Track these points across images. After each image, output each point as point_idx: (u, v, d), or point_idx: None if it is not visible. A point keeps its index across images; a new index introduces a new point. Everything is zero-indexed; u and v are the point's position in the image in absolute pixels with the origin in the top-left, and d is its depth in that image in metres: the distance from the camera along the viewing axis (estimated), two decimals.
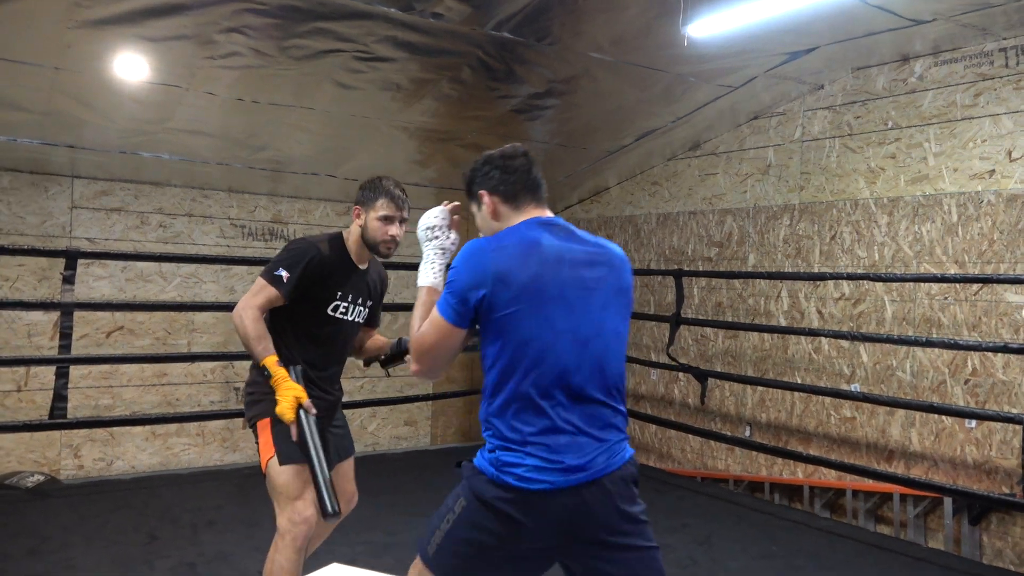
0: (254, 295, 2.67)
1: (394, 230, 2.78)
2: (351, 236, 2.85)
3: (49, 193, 5.05)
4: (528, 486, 1.80)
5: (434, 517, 1.97)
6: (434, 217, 2.20)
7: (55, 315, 4.95)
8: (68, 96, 4.23)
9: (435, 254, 2.15)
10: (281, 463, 2.63)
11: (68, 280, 4.64)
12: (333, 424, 2.93)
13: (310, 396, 2.70)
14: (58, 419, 4.61)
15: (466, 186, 2.09)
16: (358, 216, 2.82)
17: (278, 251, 2.79)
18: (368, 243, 2.81)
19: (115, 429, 5.23)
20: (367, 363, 3.09)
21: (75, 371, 4.95)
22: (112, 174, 5.19)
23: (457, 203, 2.24)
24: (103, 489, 4.91)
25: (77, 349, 4.96)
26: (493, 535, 1.84)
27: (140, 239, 5.33)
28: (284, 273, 2.68)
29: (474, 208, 2.08)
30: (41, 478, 4.93)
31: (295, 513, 2.59)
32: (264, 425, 2.70)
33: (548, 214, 2.02)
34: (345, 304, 2.83)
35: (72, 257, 4.64)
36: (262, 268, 2.75)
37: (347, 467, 3.02)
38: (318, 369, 2.81)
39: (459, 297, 1.86)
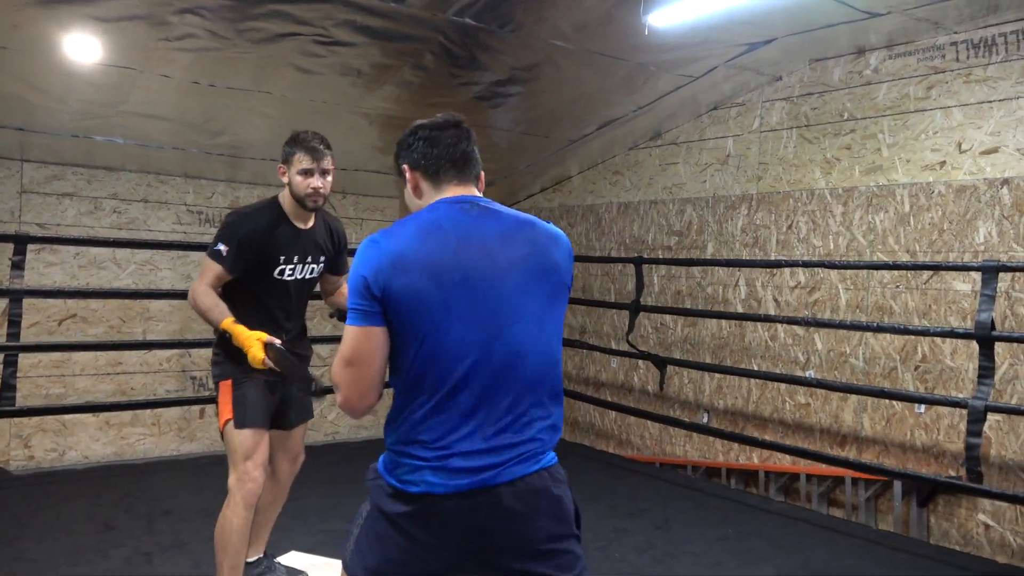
0: (201, 275, 2.77)
1: (316, 182, 2.79)
2: (285, 197, 2.87)
3: None
4: (410, 489, 1.65)
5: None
6: None
7: (3, 302, 4.82)
8: (16, 78, 4.11)
9: None
10: (237, 427, 2.76)
11: (17, 266, 4.51)
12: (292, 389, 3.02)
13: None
14: (5, 408, 4.49)
15: (394, 160, 1.87)
16: (283, 174, 2.85)
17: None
18: (295, 198, 2.83)
19: (67, 419, 5.12)
20: (331, 315, 3.18)
21: (25, 360, 4.83)
22: (64, 158, 5.07)
23: None
24: (55, 480, 4.81)
25: (27, 337, 4.84)
26: (394, 546, 1.69)
27: (93, 225, 5.21)
28: (223, 247, 2.74)
29: (401, 184, 1.87)
30: None
31: (244, 473, 2.73)
32: (226, 387, 2.83)
33: (473, 193, 1.79)
34: (291, 266, 2.87)
35: (21, 242, 4.51)
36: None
37: (300, 430, 3.13)
38: (278, 328, 2.86)
39: (360, 293, 1.64)
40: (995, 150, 4.11)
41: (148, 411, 5.34)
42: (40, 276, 5.04)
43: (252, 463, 2.74)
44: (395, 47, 4.30)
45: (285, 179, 2.85)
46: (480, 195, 1.80)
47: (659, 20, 4.05)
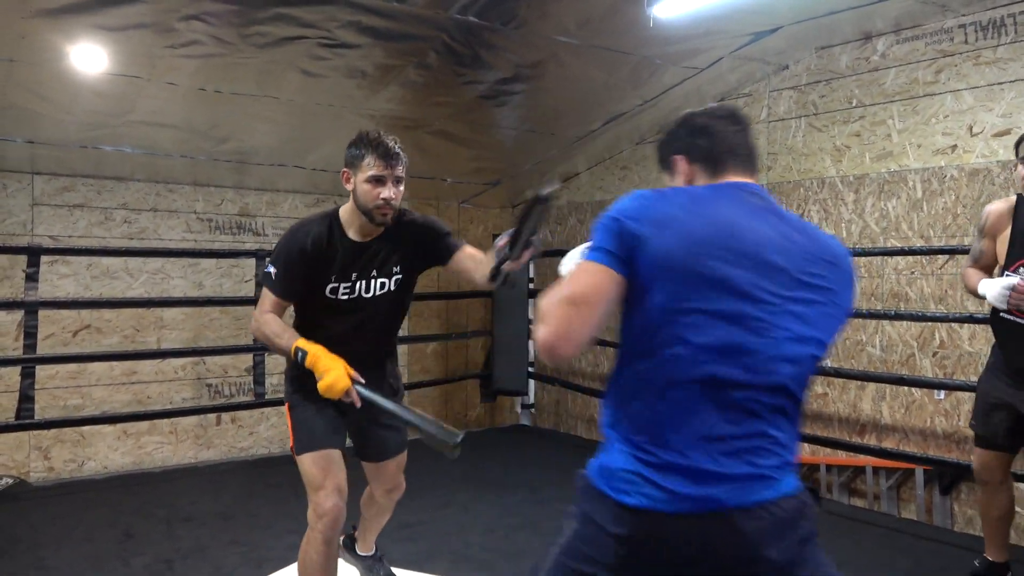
0: (260, 304, 2.53)
1: (387, 192, 2.44)
2: (347, 207, 2.56)
3: (8, 190, 4.94)
4: (624, 499, 1.42)
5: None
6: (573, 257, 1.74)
7: (19, 315, 4.84)
8: (24, 89, 4.13)
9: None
10: (297, 452, 2.55)
11: (31, 278, 4.54)
12: (375, 419, 2.72)
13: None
14: (25, 420, 4.52)
15: (659, 149, 1.69)
16: (347, 180, 2.52)
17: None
18: (361, 210, 2.49)
19: (85, 429, 5.14)
20: (491, 278, 2.36)
21: (42, 372, 4.86)
22: (73, 169, 5.09)
23: None
24: (74, 490, 4.83)
25: (43, 349, 4.86)
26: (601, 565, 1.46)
27: (104, 235, 5.23)
28: (272, 270, 2.50)
29: (667, 178, 1.68)
30: (10, 481, 4.83)
31: (317, 505, 2.50)
32: (287, 410, 2.63)
33: (749, 181, 1.59)
34: (347, 284, 2.55)
35: (35, 253, 4.54)
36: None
37: (392, 465, 2.87)
38: (351, 356, 2.51)
39: (609, 233, 1.46)
40: (1007, 132, 4.07)
41: (165, 420, 5.35)
42: (54, 288, 5.06)
43: (324, 493, 2.48)
44: (399, 47, 4.29)
45: (349, 186, 2.50)
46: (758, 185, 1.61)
47: (664, 12, 4.04)
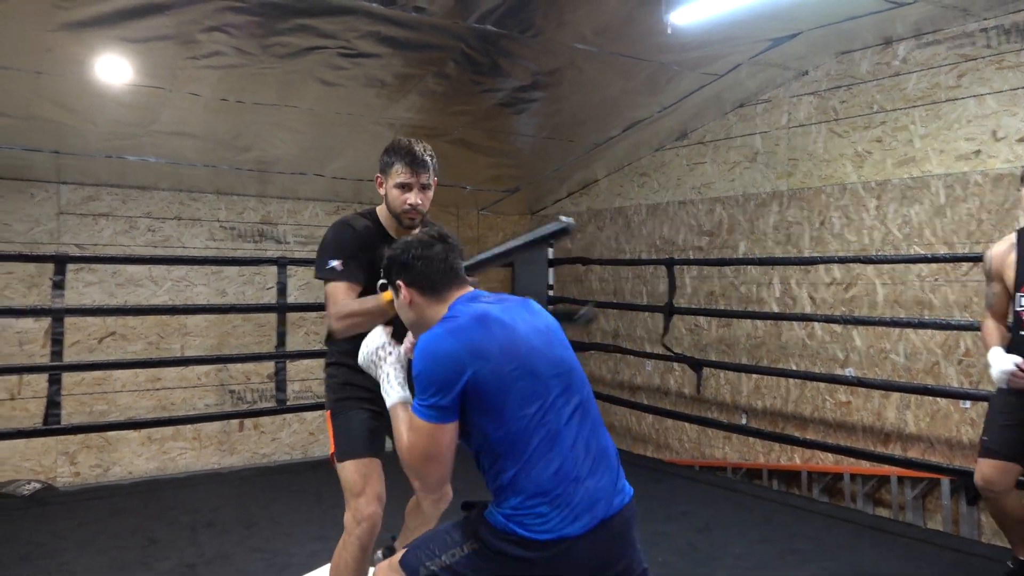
0: (331, 301, 2.50)
1: (412, 198, 2.55)
2: (383, 209, 2.66)
3: (35, 199, 5.03)
4: (540, 536, 1.82)
5: (433, 542, 1.95)
6: (372, 342, 2.14)
7: (46, 322, 4.92)
8: (50, 101, 4.20)
9: (393, 369, 2.08)
10: (339, 460, 2.59)
11: (58, 285, 4.62)
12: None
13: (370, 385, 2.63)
14: (52, 425, 4.59)
15: (384, 272, 2.07)
16: (380, 185, 2.62)
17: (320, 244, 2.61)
18: (392, 214, 2.61)
19: (110, 435, 5.21)
20: None
21: (68, 378, 4.93)
22: (98, 179, 5.17)
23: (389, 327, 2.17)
24: (100, 495, 4.89)
25: (69, 356, 4.94)
26: None
27: (129, 244, 5.31)
28: (333, 263, 2.51)
29: (392, 294, 2.09)
30: (38, 486, 4.91)
31: (356, 511, 2.54)
32: (328, 417, 2.65)
33: (469, 291, 2.04)
34: None
35: (61, 261, 4.62)
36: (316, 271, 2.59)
37: None
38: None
39: (437, 391, 1.82)
40: None
41: (188, 425, 5.41)
42: (80, 295, 5.14)
43: (364, 499, 2.53)
44: (417, 56, 4.32)
45: (382, 191, 2.62)
46: (475, 288, 2.09)
47: (682, 18, 4.03)
